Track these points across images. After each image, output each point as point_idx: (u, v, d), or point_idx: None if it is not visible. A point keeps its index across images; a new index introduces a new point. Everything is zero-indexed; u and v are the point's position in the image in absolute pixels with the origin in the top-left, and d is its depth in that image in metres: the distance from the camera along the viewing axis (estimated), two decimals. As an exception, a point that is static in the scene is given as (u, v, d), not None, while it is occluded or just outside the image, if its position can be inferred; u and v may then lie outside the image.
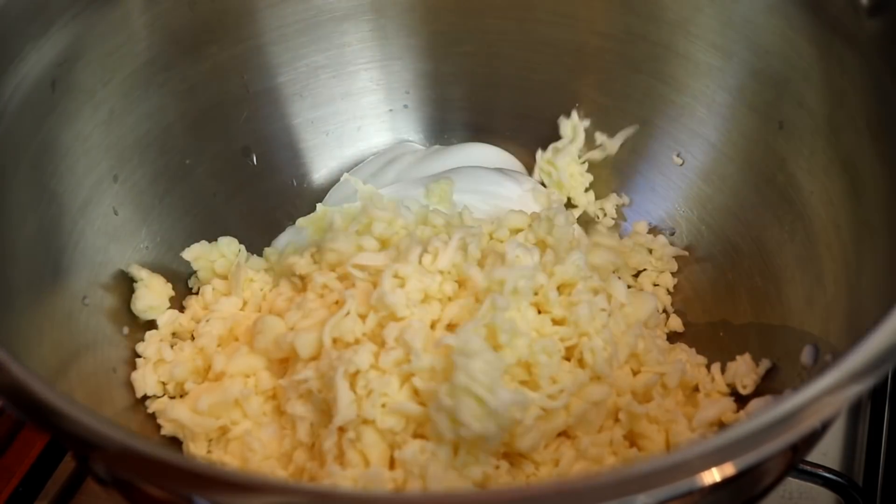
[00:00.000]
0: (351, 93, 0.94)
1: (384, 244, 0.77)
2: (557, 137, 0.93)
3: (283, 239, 0.89)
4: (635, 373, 0.73)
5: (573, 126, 0.92)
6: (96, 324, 0.73)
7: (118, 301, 0.76)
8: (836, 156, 0.70)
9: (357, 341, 0.67)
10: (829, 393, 0.45)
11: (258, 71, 0.88)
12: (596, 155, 0.91)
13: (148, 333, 0.77)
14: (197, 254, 0.82)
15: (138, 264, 0.78)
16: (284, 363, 0.73)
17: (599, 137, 0.91)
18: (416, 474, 0.62)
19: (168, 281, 0.80)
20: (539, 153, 0.93)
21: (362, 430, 0.64)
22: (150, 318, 0.78)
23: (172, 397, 0.74)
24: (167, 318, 0.79)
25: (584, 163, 0.92)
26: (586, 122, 0.91)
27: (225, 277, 0.83)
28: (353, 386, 0.64)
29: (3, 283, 0.62)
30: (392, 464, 0.64)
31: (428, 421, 0.63)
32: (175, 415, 0.69)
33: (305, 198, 0.93)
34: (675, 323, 0.82)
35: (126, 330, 0.76)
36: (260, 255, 0.87)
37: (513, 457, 0.66)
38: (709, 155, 0.83)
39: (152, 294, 0.78)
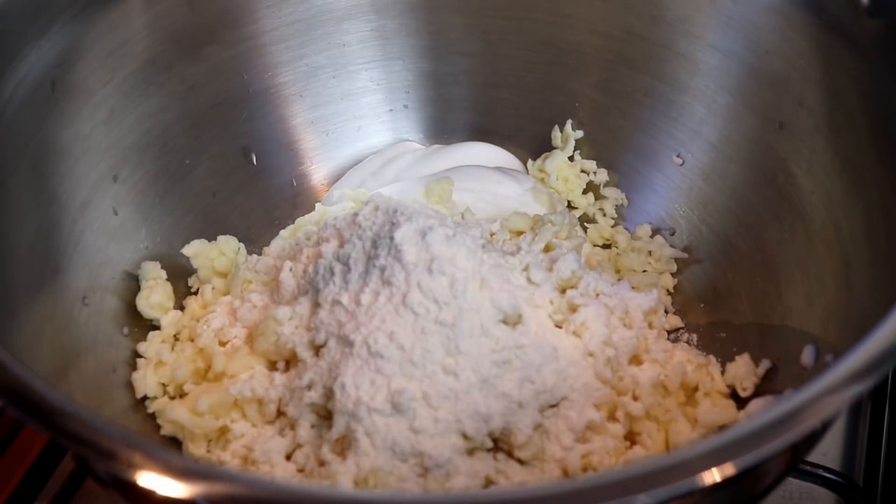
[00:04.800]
0: (351, 93, 0.94)
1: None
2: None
3: (278, 243, 0.88)
4: (636, 374, 0.73)
5: (565, 136, 0.92)
6: (96, 324, 0.73)
7: (118, 301, 0.76)
8: (836, 156, 0.70)
9: None
10: (829, 393, 0.45)
11: (258, 71, 0.88)
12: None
13: (151, 333, 0.77)
14: (197, 250, 0.82)
15: (140, 264, 0.79)
16: (285, 363, 0.73)
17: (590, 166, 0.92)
18: (419, 473, 0.63)
19: (168, 281, 0.80)
20: (530, 162, 0.94)
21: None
22: (154, 317, 0.78)
23: (172, 398, 0.74)
24: (170, 319, 0.79)
25: (577, 167, 0.92)
26: (579, 133, 0.92)
27: (225, 275, 0.83)
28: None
29: (3, 283, 0.62)
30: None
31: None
32: (174, 416, 0.69)
33: (305, 198, 0.93)
34: (675, 323, 0.82)
35: (126, 330, 0.76)
36: (260, 254, 0.87)
37: (517, 457, 0.66)
38: (709, 155, 0.83)
39: (161, 292, 0.78)
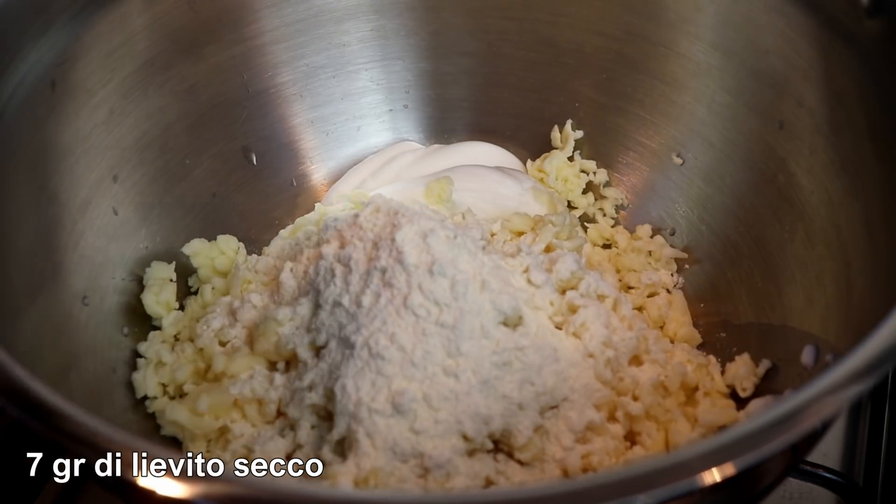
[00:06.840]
0: (351, 93, 0.94)
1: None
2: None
3: (278, 243, 0.89)
4: (636, 374, 0.73)
5: (565, 136, 0.92)
6: (96, 324, 0.73)
7: (118, 301, 0.76)
8: (836, 156, 0.70)
9: None
10: (829, 393, 0.45)
11: (258, 71, 0.88)
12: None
13: (151, 333, 0.78)
14: (196, 249, 0.82)
15: (140, 264, 0.79)
16: (285, 364, 0.73)
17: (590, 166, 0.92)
18: (419, 474, 0.63)
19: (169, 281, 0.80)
20: (529, 162, 0.94)
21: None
22: (159, 313, 0.78)
23: (172, 398, 0.74)
24: (171, 319, 0.79)
25: (576, 167, 0.92)
26: (579, 133, 0.92)
27: (225, 275, 0.83)
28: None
29: (3, 283, 0.62)
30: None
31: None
32: (174, 416, 0.69)
33: (305, 198, 0.93)
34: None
35: (126, 330, 0.76)
36: (260, 254, 0.87)
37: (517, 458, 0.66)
38: (709, 155, 0.83)
39: (170, 290, 0.79)
